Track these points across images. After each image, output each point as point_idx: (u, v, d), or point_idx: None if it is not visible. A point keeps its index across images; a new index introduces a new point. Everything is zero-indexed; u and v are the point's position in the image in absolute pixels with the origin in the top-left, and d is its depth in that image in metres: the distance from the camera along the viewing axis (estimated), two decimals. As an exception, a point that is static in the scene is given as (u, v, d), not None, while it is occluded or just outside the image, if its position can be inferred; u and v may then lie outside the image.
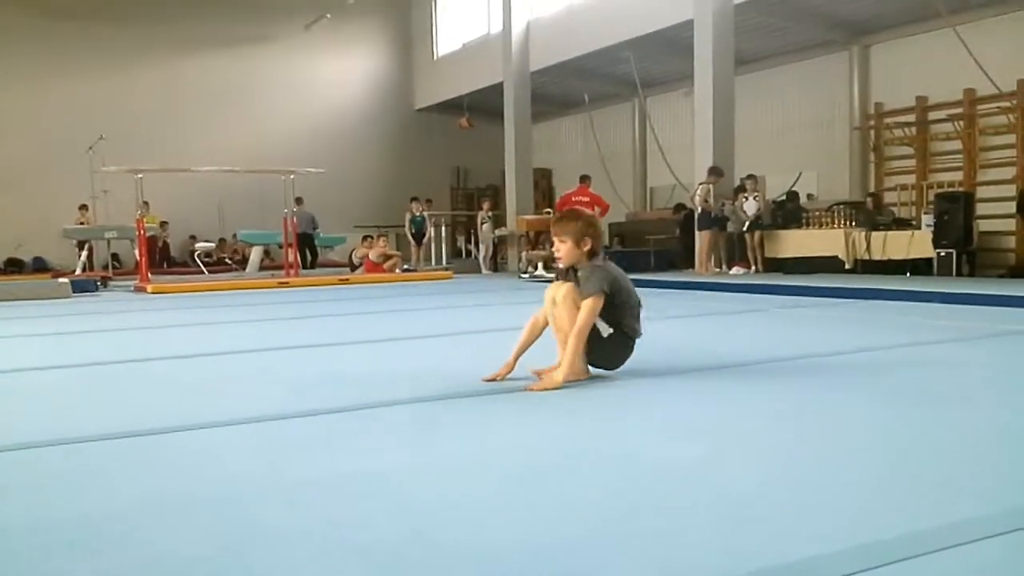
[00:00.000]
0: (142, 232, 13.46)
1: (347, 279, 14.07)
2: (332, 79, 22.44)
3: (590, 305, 3.65)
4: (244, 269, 17.46)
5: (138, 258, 14.04)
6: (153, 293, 11.79)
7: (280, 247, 16.41)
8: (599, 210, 12.89)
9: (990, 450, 2.59)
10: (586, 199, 12.74)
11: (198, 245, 17.76)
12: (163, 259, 19.16)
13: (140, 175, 13.27)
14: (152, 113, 19.72)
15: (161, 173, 15.60)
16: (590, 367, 3.85)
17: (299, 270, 14.98)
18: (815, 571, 1.65)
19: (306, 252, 17.03)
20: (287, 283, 13.12)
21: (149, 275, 13.25)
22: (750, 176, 12.96)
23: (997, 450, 2.59)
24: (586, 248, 3.77)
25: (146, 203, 14.72)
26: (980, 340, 5.24)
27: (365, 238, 16.53)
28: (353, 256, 16.44)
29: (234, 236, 19.47)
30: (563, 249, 3.81)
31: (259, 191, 18.49)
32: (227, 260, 19.16)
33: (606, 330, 3.77)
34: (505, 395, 3.59)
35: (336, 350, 5.46)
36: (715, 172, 12.53)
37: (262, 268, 17.23)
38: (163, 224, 19.14)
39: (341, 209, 20.62)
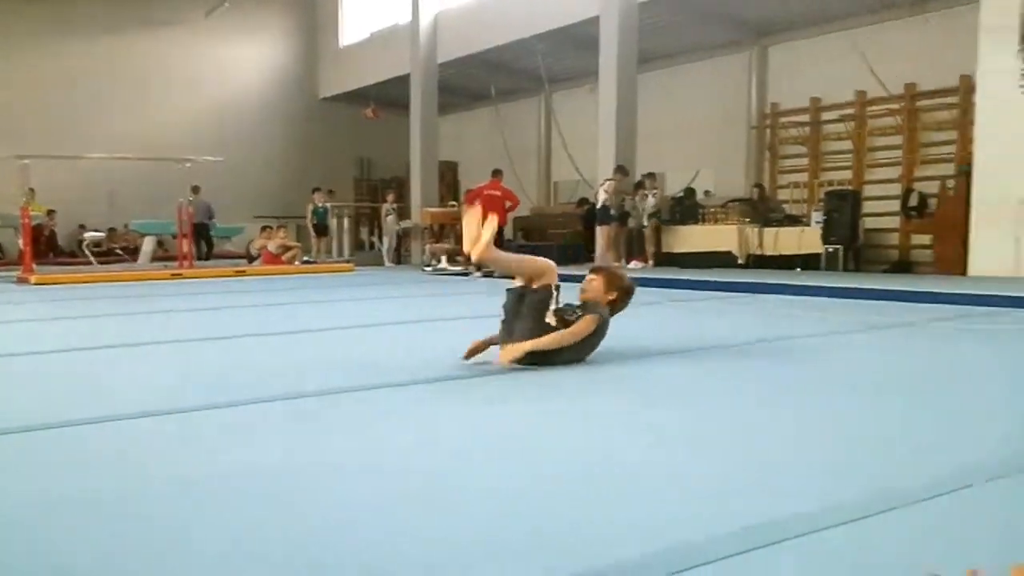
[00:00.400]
0: (27, 221, 12.86)
1: (244, 271, 13.74)
2: (233, 66, 21.85)
3: (589, 321, 3.92)
4: (136, 260, 16.87)
5: (22, 248, 13.42)
6: (37, 284, 11.27)
7: (174, 237, 15.89)
8: (510, 204, 12.93)
9: (855, 438, 2.67)
10: (498, 193, 12.72)
11: (87, 235, 17.04)
12: (49, 249, 18.29)
13: (26, 161, 12.67)
14: (42, 97, 18.83)
15: (48, 159, 14.90)
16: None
17: (194, 261, 14.54)
18: (687, 556, 1.66)
19: (201, 243, 16.54)
20: (180, 274, 12.72)
21: (34, 266, 12.67)
22: (649, 174, 13.19)
23: (868, 442, 2.67)
24: (610, 297, 4.14)
25: (31, 190, 14.07)
26: (855, 333, 5.42)
27: (264, 228, 16.18)
28: (251, 247, 16.07)
29: (126, 226, 18.79)
30: (592, 285, 4.16)
31: (154, 179, 17.82)
32: (118, 251, 18.46)
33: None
34: (393, 389, 3.55)
35: (228, 343, 5.31)
36: (621, 171, 12.70)
37: (155, 259, 16.68)
38: (50, 212, 18.26)
39: (240, 199, 20.10)
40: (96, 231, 17.88)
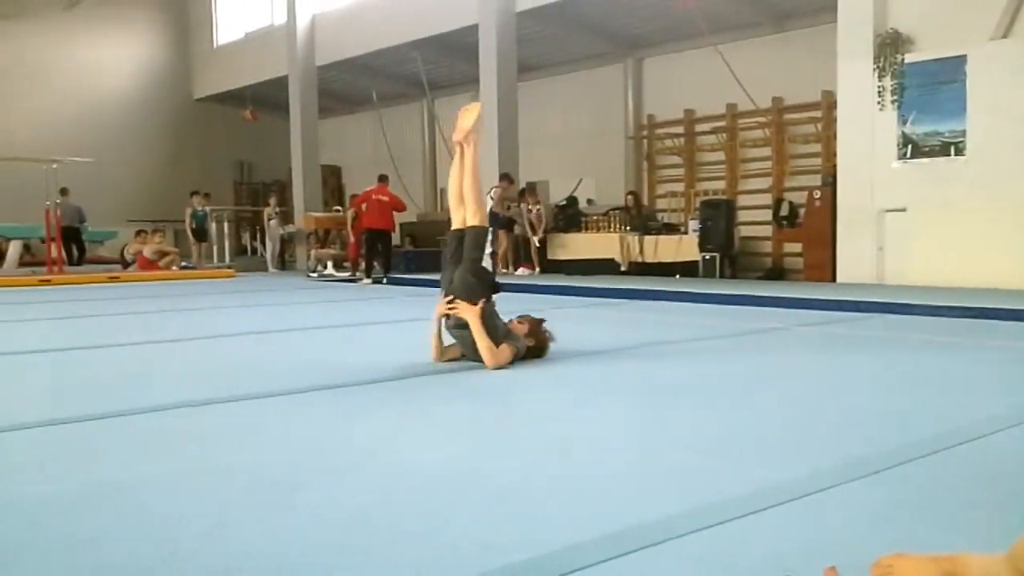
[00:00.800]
0: None
1: (117, 277, 13.24)
2: (101, 63, 20.95)
3: (509, 352, 4.36)
4: (1, 265, 16.00)
5: None
6: None
7: (42, 241, 15.14)
8: (396, 210, 12.89)
9: (728, 440, 2.82)
10: (386, 198, 12.67)
11: (-56, 239, 16.11)
12: (-100, 254, 17.17)
13: None
14: None
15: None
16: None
17: (64, 266, 13.91)
18: (574, 559, 1.73)
19: (72, 247, 15.82)
20: (49, 280, 12.17)
21: None
22: (529, 185, 13.39)
23: (737, 443, 2.82)
24: (528, 342, 4.52)
25: None
26: (730, 338, 5.67)
27: (139, 233, 15.62)
28: (125, 252, 15.50)
29: (-12, 229, 17.79)
30: (518, 326, 4.54)
31: (17, 181, 16.94)
32: (-21, 256, 17.46)
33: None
34: (269, 399, 3.52)
35: (96, 352, 5.13)
36: (507, 179, 12.84)
37: (22, 264, 15.87)
38: (-100, 215, 17.16)
39: (113, 202, 19.30)
40: (-46, 235, 16.90)
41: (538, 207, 13.23)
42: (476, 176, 4.53)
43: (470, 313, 4.22)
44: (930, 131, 9.24)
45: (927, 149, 9.28)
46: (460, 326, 4.31)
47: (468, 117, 4.56)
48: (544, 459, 2.57)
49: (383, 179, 13.18)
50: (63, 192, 14.97)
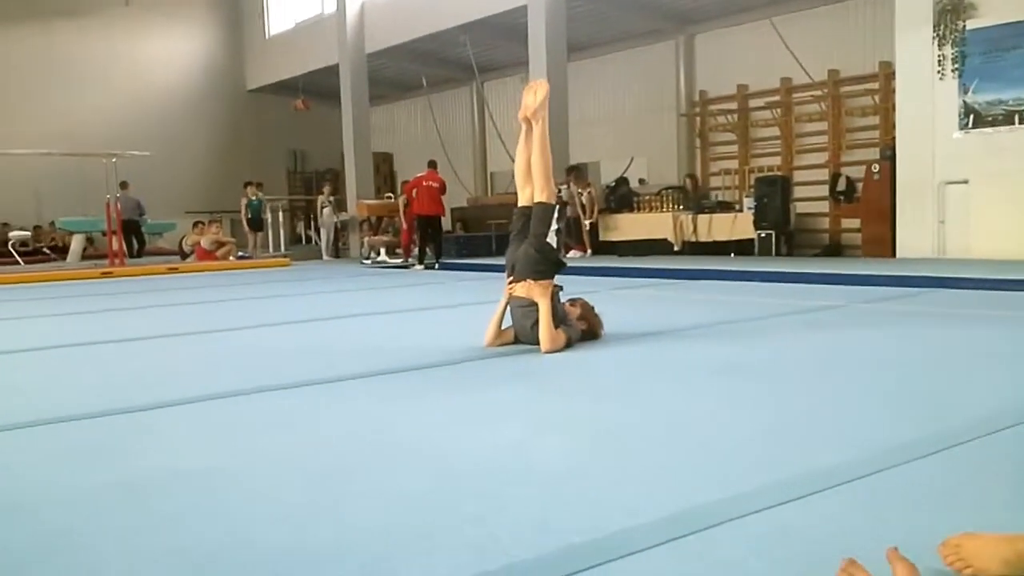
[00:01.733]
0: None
1: (176, 268, 13.51)
2: (156, 58, 21.34)
3: (563, 336, 4.37)
4: (65, 259, 16.45)
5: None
6: (-41, 286, 10.93)
7: (104, 235, 15.52)
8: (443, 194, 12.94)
9: (787, 421, 2.77)
10: (436, 184, 12.71)
11: (12, 234, 16.57)
12: (-28, 249, 17.76)
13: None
14: (-43, 92, 18.21)
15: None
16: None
17: (124, 259, 14.24)
18: (631, 541, 1.72)
19: (132, 240, 16.19)
20: (111, 273, 12.46)
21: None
22: (578, 171, 13.31)
23: (796, 424, 2.78)
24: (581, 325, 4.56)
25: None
26: (787, 316, 5.58)
27: (196, 224, 15.91)
28: (183, 243, 15.79)
29: (52, 224, 18.28)
30: (572, 309, 4.59)
31: (80, 175, 17.36)
32: (45, 249, 17.97)
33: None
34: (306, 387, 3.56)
35: (156, 342, 5.25)
36: (575, 171, 12.77)
37: (84, 257, 16.30)
38: (-29, 212, 17.74)
39: (170, 194, 19.67)
40: (21, 230, 17.40)
41: (589, 190, 13.16)
42: (544, 152, 4.48)
43: (541, 295, 4.23)
44: (993, 100, 8.98)
45: (990, 118, 9.01)
46: (524, 305, 4.31)
47: (534, 95, 4.51)
48: (599, 442, 2.56)
49: (432, 164, 13.21)
50: (123, 186, 15.31)
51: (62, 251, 17.36)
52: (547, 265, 4.37)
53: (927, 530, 1.68)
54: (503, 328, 4.45)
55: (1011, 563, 1.47)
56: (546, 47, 12.91)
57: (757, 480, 2.09)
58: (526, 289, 4.30)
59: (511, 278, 4.41)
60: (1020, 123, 8.79)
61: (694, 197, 12.92)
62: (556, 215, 4.41)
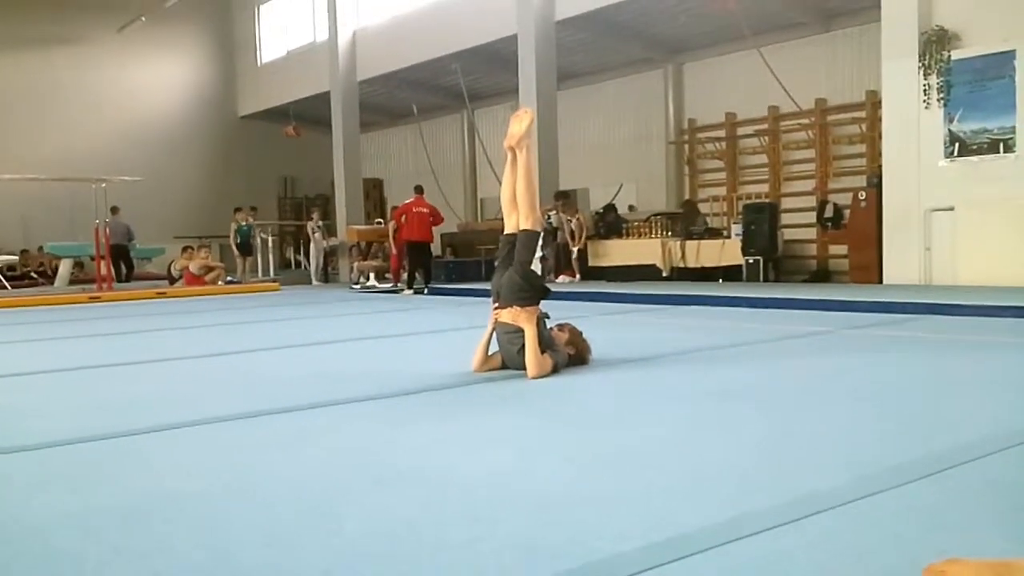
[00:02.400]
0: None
1: (164, 292, 13.47)
2: (149, 84, 21.42)
3: (548, 362, 4.36)
4: (52, 283, 16.38)
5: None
6: (-55, 311, 10.87)
7: (92, 259, 15.47)
8: (435, 220, 12.93)
9: (773, 446, 2.78)
10: (426, 210, 12.74)
11: (-2, 258, 16.53)
12: (-42, 274, 17.65)
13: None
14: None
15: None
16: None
17: (113, 283, 14.20)
18: (617, 568, 1.72)
19: (121, 264, 16.15)
20: (99, 297, 12.41)
21: (-59, 291, 12.23)
22: (566, 199, 13.37)
23: (784, 449, 2.78)
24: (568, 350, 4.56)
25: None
26: (774, 343, 5.60)
27: (185, 249, 15.88)
28: (172, 268, 15.75)
29: (40, 248, 18.23)
30: (559, 334, 4.57)
31: (69, 201, 17.34)
32: (33, 274, 17.89)
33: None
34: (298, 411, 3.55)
35: (143, 368, 5.22)
36: (562, 196, 12.88)
37: (72, 282, 16.24)
38: (-42, 236, 17.68)
39: (160, 219, 19.69)
40: (8, 255, 17.34)
41: (578, 216, 13.22)
42: (530, 180, 4.51)
43: (527, 321, 4.23)
44: (977, 128, 9.08)
45: (975, 147, 9.11)
46: (510, 331, 4.32)
47: (520, 123, 4.55)
48: (588, 467, 2.56)
49: (419, 190, 13.26)
50: (113, 211, 15.29)
51: (50, 276, 17.30)
52: (531, 291, 4.38)
53: (913, 555, 1.68)
54: (490, 354, 4.45)
55: (995, 589, 1.47)
56: (536, 76, 13.03)
57: (745, 505, 2.10)
58: (512, 315, 4.31)
59: (497, 304, 4.42)
60: (1004, 151, 8.89)
61: (693, 223, 12.95)
62: (540, 242, 4.43)
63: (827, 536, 1.88)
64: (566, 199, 13.17)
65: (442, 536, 1.94)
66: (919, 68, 9.37)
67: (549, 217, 12.97)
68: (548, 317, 4.50)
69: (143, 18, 19.56)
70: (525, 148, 4.52)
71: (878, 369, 4.40)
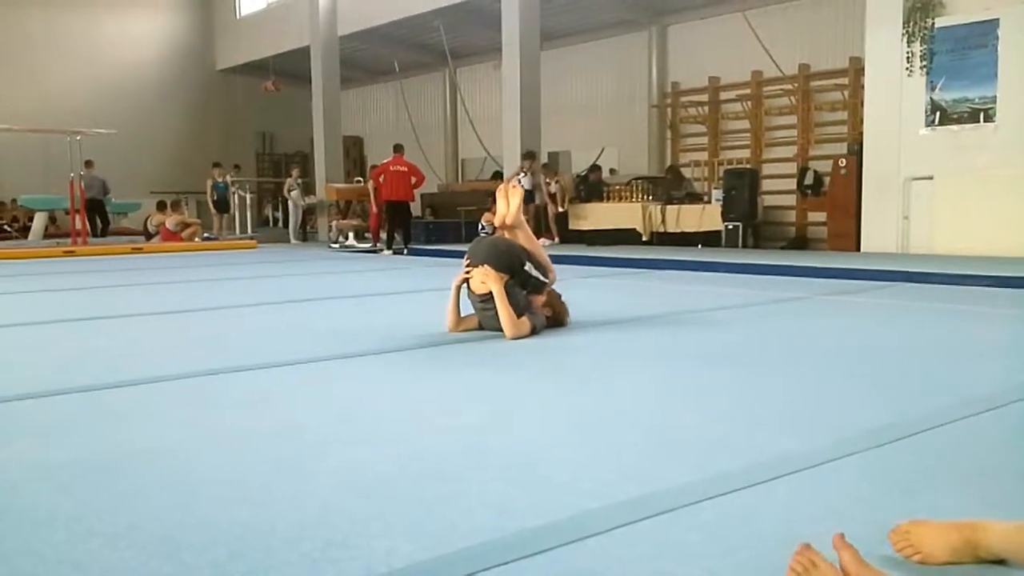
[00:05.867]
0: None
1: (141, 248, 13.35)
2: (124, 35, 20.97)
3: (527, 324, 4.34)
4: (26, 237, 16.19)
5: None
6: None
7: (67, 213, 15.28)
8: (415, 180, 12.84)
9: (748, 408, 2.80)
10: (404, 168, 12.64)
11: (-30, 211, 16.30)
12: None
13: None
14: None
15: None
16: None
17: (88, 238, 14.04)
18: (587, 525, 1.73)
19: (96, 219, 15.96)
20: (74, 252, 12.28)
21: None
22: (546, 164, 13.26)
23: (759, 410, 2.80)
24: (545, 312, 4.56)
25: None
26: (751, 307, 5.63)
27: (161, 204, 15.70)
28: (148, 224, 15.60)
29: (14, 201, 17.98)
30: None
31: (43, 153, 17.11)
32: (6, 227, 17.67)
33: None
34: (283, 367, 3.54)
35: (116, 322, 5.18)
36: (530, 156, 12.74)
37: (47, 236, 16.05)
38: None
39: (136, 174, 19.40)
40: (-20, 207, 17.12)
41: (558, 179, 13.16)
42: (534, 251, 4.53)
43: (494, 281, 4.20)
44: (959, 97, 9.09)
45: (956, 116, 9.13)
46: (484, 299, 4.29)
47: (508, 202, 4.52)
48: (561, 426, 2.57)
49: (398, 148, 13.13)
50: (88, 164, 15.06)
51: (23, 230, 17.09)
52: (510, 262, 4.33)
53: (881, 517, 1.70)
54: (465, 315, 4.44)
55: (958, 550, 1.49)
56: (520, 34, 12.89)
57: (718, 466, 2.11)
58: (483, 274, 4.26)
59: (469, 262, 4.39)
60: (985, 121, 8.91)
61: (677, 189, 12.90)
62: (536, 281, 4.40)
63: (796, 496, 1.90)
64: (533, 159, 12.96)
65: (414, 494, 1.94)
66: (903, 35, 9.34)
67: (519, 179, 12.89)
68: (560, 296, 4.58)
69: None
70: (520, 225, 4.57)
71: (853, 335, 4.43)
